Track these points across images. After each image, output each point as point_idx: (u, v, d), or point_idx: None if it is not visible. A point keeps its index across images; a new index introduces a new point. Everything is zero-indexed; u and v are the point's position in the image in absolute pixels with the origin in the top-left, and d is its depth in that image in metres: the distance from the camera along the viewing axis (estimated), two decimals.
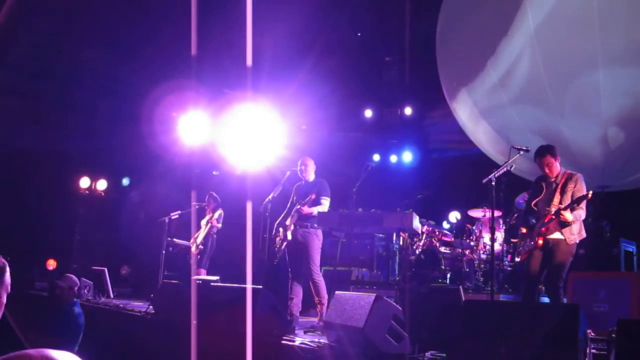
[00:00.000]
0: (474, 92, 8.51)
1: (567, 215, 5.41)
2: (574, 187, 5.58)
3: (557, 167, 5.74)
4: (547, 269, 5.56)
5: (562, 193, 5.59)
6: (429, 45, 9.67)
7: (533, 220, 5.82)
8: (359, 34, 12.32)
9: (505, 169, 6.00)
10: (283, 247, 6.83)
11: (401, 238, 9.03)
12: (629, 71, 7.15)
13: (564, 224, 5.49)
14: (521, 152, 6.14)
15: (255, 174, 8.05)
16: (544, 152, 5.76)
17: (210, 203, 9.32)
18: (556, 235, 5.55)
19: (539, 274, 5.61)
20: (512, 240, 8.20)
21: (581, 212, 5.52)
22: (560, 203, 5.55)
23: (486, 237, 8.46)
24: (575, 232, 5.53)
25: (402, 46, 12.14)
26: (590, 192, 5.38)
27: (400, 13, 11.51)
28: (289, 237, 6.78)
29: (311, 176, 7.10)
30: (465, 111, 9.01)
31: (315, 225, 6.83)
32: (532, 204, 5.81)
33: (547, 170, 5.73)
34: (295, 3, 9.89)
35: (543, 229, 5.57)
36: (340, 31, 11.81)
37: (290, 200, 7.12)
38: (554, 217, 5.50)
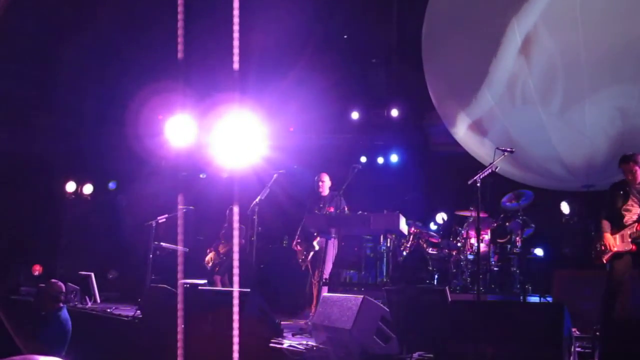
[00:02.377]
0: (468, 109, 8.57)
1: None
2: None
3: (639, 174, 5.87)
4: None
5: None
6: (414, 46, 9.71)
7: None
8: (345, 36, 12.34)
9: (490, 170, 6.04)
10: (310, 257, 7.15)
11: (388, 240, 9.05)
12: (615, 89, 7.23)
13: None
14: (505, 154, 6.18)
15: (242, 176, 8.04)
16: (628, 159, 5.88)
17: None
18: None
19: (625, 274, 5.68)
20: (499, 240, 8.25)
21: None
22: None
23: (473, 238, 8.49)
24: None
25: (388, 48, 12.18)
26: None
27: (386, 15, 11.56)
28: (317, 247, 7.13)
29: (326, 191, 7.47)
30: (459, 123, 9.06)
31: (333, 236, 7.12)
32: (621, 209, 5.83)
33: (630, 177, 5.85)
34: (282, 6, 9.89)
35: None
36: (327, 33, 11.82)
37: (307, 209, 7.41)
38: None
